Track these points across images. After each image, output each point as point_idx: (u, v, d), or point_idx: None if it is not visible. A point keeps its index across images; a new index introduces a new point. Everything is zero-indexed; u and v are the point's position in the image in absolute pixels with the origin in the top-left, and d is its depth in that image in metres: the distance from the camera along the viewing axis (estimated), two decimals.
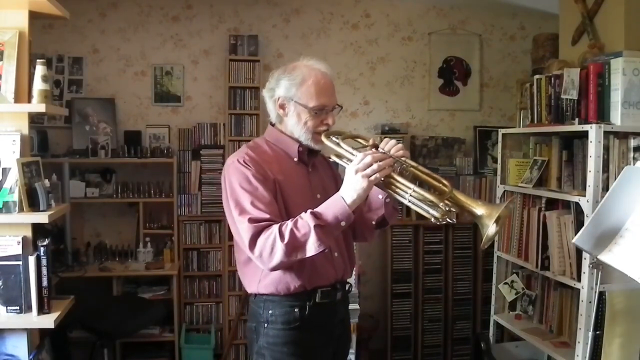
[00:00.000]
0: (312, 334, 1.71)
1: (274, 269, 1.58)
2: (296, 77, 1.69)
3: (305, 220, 1.52)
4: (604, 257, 1.83)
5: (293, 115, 1.71)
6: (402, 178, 1.57)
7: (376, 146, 1.62)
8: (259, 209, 1.57)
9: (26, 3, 2.07)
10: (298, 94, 1.68)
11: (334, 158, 1.70)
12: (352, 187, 1.53)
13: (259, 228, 1.55)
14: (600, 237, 1.83)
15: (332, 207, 1.54)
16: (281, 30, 4.13)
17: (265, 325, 1.70)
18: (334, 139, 1.68)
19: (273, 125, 1.81)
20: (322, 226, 1.51)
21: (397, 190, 1.58)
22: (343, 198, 1.54)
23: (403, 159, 1.59)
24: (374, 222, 1.82)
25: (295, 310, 1.68)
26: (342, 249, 1.79)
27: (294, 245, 1.51)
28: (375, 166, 1.51)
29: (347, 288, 1.83)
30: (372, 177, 1.51)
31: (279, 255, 1.52)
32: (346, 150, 1.65)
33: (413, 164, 1.61)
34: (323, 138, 1.68)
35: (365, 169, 1.51)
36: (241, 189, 1.61)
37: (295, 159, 1.75)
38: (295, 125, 1.71)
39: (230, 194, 1.63)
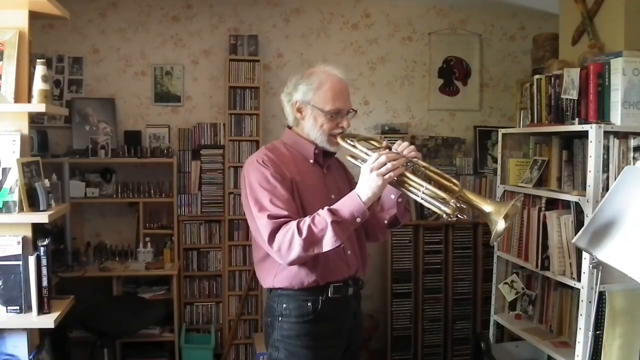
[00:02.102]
0: (325, 326, 1.78)
1: (291, 263, 1.65)
2: (313, 82, 1.78)
3: (323, 217, 1.59)
4: (604, 256, 1.84)
5: (310, 118, 1.80)
6: (414, 176, 1.65)
7: (389, 148, 1.70)
8: (278, 206, 1.65)
9: (26, 3, 2.07)
10: (315, 98, 1.77)
11: (349, 159, 1.77)
12: (367, 185, 1.60)
13: (277, 224, 1.63)
14: (600, 237, 1.84)
15: (349, 204, 1.62)
16: (281, 30, 4.13)
17: (280, 318, 1.78)
18: (349, 141, 1.76)
19: (290, 128, 1.89)
20: (338, 222, 1.58)
21: (410, 188, 1.65)
22: (359, 195, 1.61)
23: (415, 159, 1.67)
24: (386, 222, 1.92)
25: (308, 304, 1.76)
26: (355, 248, 1.88)
27: (311, 240, 1.58)
28: (389, 165, 1.59)
29: (359, 283, 1.90)
30: (387, 176, 1.58)
31: (296, 249, 1.59)
32: (361, 151, 1.73)
33: (425, 164, 1.68)
34: (339, 140, 1.77)
35: (379, 168, 1.59)
36: (260, 187, 1.70)
37: (311, 161, 1.84)
38: (311, 128, 1.80)
39: (250, 192, 1.72)
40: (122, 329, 3.15)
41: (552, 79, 2.64)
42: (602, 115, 2.37)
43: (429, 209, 1.64)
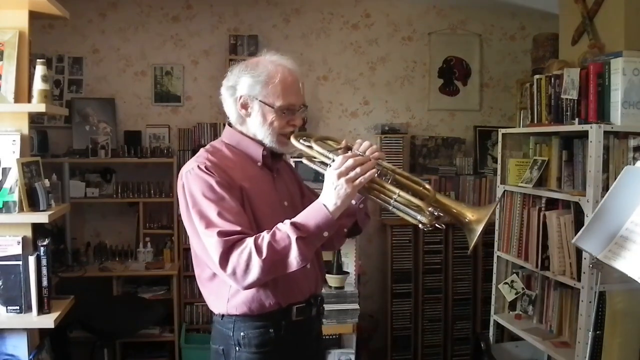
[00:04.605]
0: (288, 355, 1.58)
1: (248, 287, 1.43)
2: (261, 74, 1.55)
3: (285, 232, 1.37)
4: (604, 257, 1.83)
5: (257, 116, 1.55)
6: (385, 182, 1.46)
7: (349, 148, 1.50)
8: (228, 220, 1.41)
9: (26, 3, 2.07)
10: (263, 92, 1.53)
11: (305, 162, 1.57)
12: (335, 194, 1.38)
13: (230, 242, 1.38)
14: (600, 237, 1.83)
15: (314, 216, 1.39)
16: (281, 30, 4.13)
17: (237, 348, 1.55)
18: (303, 141, 1.54)
19: (231, 126, 1.65)
20: (303, 238, 1.36)
21: (381, 195, 1.46)
22: (325, 205, 1.39)
23: (379, 161, 1.47)
24: (346, 230, 1.70)
25: (270, 330, 1.54)
26: (314, 260, 1.63)
27: (273, 260, 1.36)
28: (358, 169, 1.38)
29: (319, 301, 1.70)
30: (357, 182, 1.38)
31: (255, 272, 1.36)
32: (320, 153, 1.51)
33: (390, 166, 1.50)
34: (293, 140, 1.55)
35: (348, 173, 1.38)
36: (205, 198, 1.44)
37: (259, 164, 1.60)
38: (259, 127, 1.56)
39: (193, 205, 1.47)
40: (122, 329, 3.15)
41: (552, 79, 2.63)
42: (602, 115, 2.37)
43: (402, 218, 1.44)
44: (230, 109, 1.61)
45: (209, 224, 1.42)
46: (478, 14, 4.36)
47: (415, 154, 4.14)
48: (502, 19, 4.41)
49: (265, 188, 1.59)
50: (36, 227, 2.10)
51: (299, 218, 1.41)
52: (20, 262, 2.01)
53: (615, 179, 2.02)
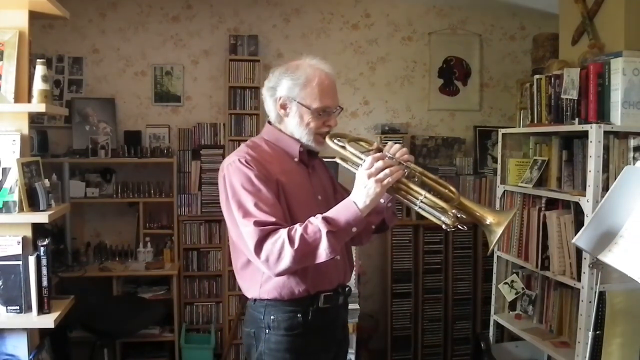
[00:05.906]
0: (315, 339, 1.68)
1: (279, 274, 1.54)
2: (300, 77, 1.65)
3: (316, 225, 1.47)
4: (604, 257, 1.83)
5: (295, 116, 1.66)
6: (412, 183, 1.55)
7: (380, 150, 1.59)
8: (264, 211, 1.52)
9: (26, 3, 2.08)
10: (301, 95, 1.64)
11: (338, 161, 1.66)
12: (364, 192, 1.49)
13: (265, 232, 1.49)
14: (600, 237, 1.83)
15: (344, 213, 1.50)
16: (281, 30, 4.13)
17: (267, 331, 1.66)
18: (337, 142, 1.65)
19: (270, 123, 1.76)
20: (334, 232, 1.47)
21: (408, 196, 1.55)
22: (355, 203, 1.50)
23: (408, 163, 1.56)
24: (373, 227, 1.79)
25: (298, 315, 1.64)
26: (343, 252, 1.75)
27: (304, 251, 1.46)
28: (387, 170, 1.49)
29: (346, 291, 1.79)
30: (385, 182, 1.48)
31: (287, 261, 1.47)
32: (352, 154, 1.62)
33: (419, 169, 1.58)
34: (327, 141, 1.66)
35: (378, 174, 1.48)
36: (244, 190, 1.56)
37: (296, 159, 1.71)
38: (296, 126, 1.67)
39: (232, 195, 1.58)
40: (122, 329, 3.15)
41: (552, 79, 2.64)
42: (602, 115, 2.37)
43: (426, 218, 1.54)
44: (270, 108, 1.72)
45: (246, 213, 1.53)
46: (478, 14, 4.36)
47: (415, 154, 4.14)
48: (502, 19, 4.41)
49: (300, 181, 1.69)
50: (36, 227, 2.10)
51: (330, 213, 1.51)
52: (20, 262, 2.01)
53: (615, 179, 2.02)
